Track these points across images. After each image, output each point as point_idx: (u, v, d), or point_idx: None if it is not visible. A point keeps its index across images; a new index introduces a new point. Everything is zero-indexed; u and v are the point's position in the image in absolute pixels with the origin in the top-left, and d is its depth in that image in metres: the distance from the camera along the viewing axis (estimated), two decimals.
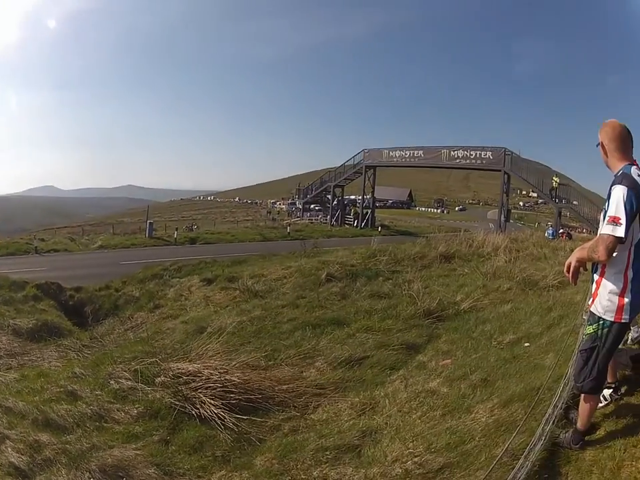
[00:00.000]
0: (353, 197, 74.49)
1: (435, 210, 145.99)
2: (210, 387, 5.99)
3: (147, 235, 37.69)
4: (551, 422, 4.21)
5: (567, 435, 4.28)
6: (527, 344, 7.40)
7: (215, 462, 4.97)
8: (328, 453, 4.83)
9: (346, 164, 58.67)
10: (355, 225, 56.79)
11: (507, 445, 3.86)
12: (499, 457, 3.62)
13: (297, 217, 65.40)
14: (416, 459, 4.35)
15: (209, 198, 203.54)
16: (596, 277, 3.97)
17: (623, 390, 4.94)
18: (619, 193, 3.57)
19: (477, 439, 4.58)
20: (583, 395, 4.13)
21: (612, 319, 3.82)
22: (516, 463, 3.56)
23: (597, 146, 3.98)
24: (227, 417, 5.54)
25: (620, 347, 5.16)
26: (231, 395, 5.93)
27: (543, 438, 3.99)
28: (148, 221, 39.84)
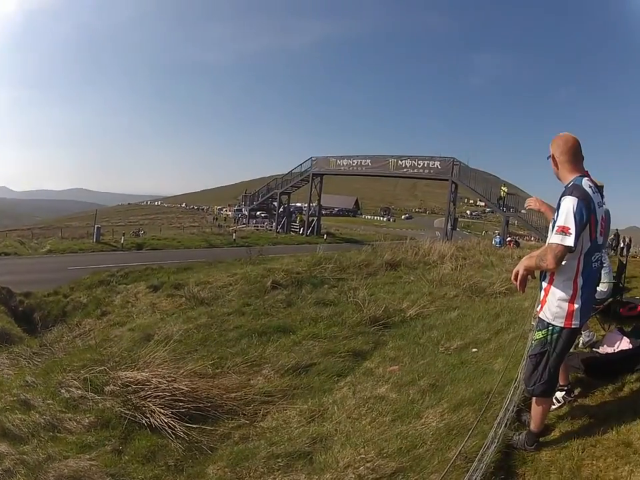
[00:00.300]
0: (299, 204, 74.70)
1: (381, 218, 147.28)
2: (159, 395, 5.90)
3: (94, 240, 36.87)
4: (503, 425, 4.22)
5: (520, 436, 4.31)
6: (474, 349, 7.46)
7: (169, 471, 4.91)
8: (280, 460, 4.79)
9: (293, 171, 58.85)
10: (300, 232, 56.97)
11: (459, 448, 3.83)
12: (452, 459, 3.57)
13: (243, 224, 65.24)
14: (368, 464, 4.32)
15: (156, 203, 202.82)
16: (544, 284, 4.02)
17: (576, 392, 5.03)
18: (569, 204, 3.62)
19: (428, 443, 4.57)
20: (534, 398, 4.16)
21: (562, 325, 3.86)
22: (470, 466, 3.54)
23: (548, 158, 4.04)
24: (177, 425, 5.47)
25: (572, 350, 5.21)
26: (180, 404, 5.86)
27: (496, 440, 3.99)
28: (96, 226, 38.99)
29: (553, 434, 4.38)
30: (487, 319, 9.17)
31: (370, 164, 51.94)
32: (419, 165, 47.37)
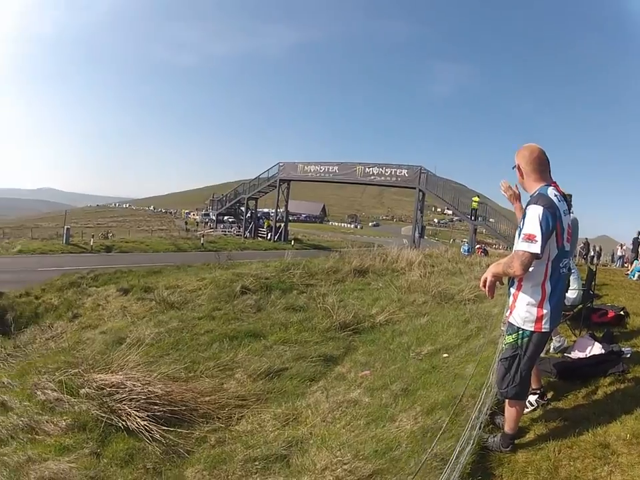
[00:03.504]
0: (266, 209, 74.44)
1: (349, 225, 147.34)
2: (134, 398, 5.94)
3: (64, 241, 36.40)
4: (477, 427, 4.30)
5: (495, 438, 4.39)
6: (445, 355, 7.55)
7: (147, 474, 4.95)
8: (257, 463, 4.85)
9: (261, 176, 58.29)
10: (268, 238, 56.74)
11: (431, 449, 3.91)
12: (423, 460, 3.67)
13: (211, 229, 64.85)
14: (346, 467, 4.38)
15: (124, 205, 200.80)
16: (513, 290, 4.11)
17: (549, 396, 5.13)
18: (535, 212, 3.73)
19: (403, 445, 4.64)
20: (507, 401, 4.25)
21: (532, 329, 3.96)
22: (445, 466, 3.61)
23: (513, 168, 4.16)
24: (154, 429, 5.51)
25: (543, 355, 5.33)
26: (155, 407, 5.90)
27: (471, 442, 4.06)
28: (65, 227, 38.51)
29: (527, 436, 4.46)
30: (456, 325, 9.29)
31: (337, 170, 51.70)
32: (387, 172, 47.33)
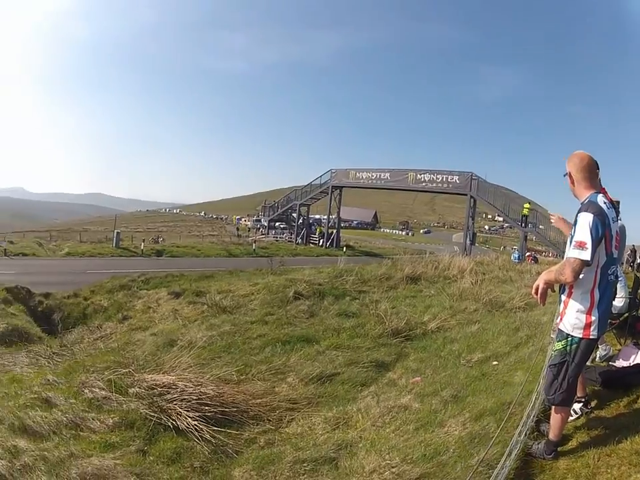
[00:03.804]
0: (318, 216, 74.33)
1: (400, 232, 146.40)
2: (185, 399, 6.03)
3: (113, 245, 37.16)
4: (524, 434, 4.34)
5: (539, 445, 4.43)
6: (495, 362, 7.55)
7: (194, 473, 5.00)
8: (305, 464, 4.89)
9: (313, 183, 58.49)
10: (320, 244, 56.88)
11: (482, 456, 3.96)
12: (475, 467, 3.72)
13: (262, 234, 65.05)
14: (393, 470, 4.42)
15: (174, 211, 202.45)
16: (563, 297, 4.18)
17: (592, 404, 5.15)
18: (585, 220, 3.79)
19: (451, 450, 4.67)
20: (554, 407, 4.30)
21: (580, 336, 4.01)
22: (492, 472, 3.66)
23: (565, 175, 4.20)
24: (203, 428, 5.57)
25: (589, 364, 5.35)
26: (206, 408, 5.97)
27: (517, 448, 4.11)
28: (115, 231, 39.17)
29: (570, 443, 4.49)
30: (506, 333, 9.24)
31: (389, 177, 51.76)
32: (438, 179, 47.20)
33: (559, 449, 4.37)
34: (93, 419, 5.70)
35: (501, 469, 3.63)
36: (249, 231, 76.70)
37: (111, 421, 5.67)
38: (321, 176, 57.63)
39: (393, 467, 4.48)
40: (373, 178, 53.07)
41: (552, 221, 4.83)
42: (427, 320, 11.13)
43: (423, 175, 48.34)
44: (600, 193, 4.01)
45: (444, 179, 46.88)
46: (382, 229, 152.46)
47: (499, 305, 12.30)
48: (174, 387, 6.27)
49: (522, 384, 5.32)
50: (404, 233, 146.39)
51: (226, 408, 6.15)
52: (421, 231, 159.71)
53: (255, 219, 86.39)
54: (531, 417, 4.64)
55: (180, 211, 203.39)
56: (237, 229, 77.79)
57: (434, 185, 47.82)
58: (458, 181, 45.88)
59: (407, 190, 55.29)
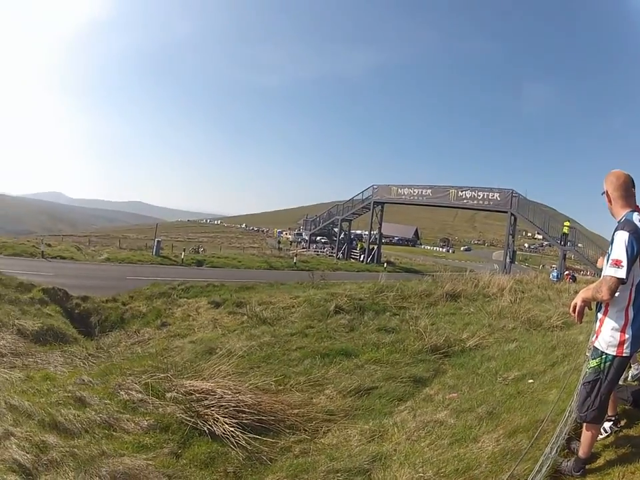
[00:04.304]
0: (359, 231, 74.19)
1: (440, 249, 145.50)
2: (223, 405, 6.16)
3: (153, 253, 37.33)
4: (554, 451, 4.40)
5: (568, 463, 4.48)
6: (530, 380, 7.55)
7: (227, 478, 5.13)
8: (339, 474, 4.98)
9: (354, 198, 58.54)
10: (360, 259, 56.67)
11: (511, 471, 4.05)
12: None
13: (303, 248, 65.02)
14: None
15: (215, 222, 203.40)
16: (600, 315, 4.22)
17: (622, 423, 5.18)
18: (622, 238, 3.86)
19: (483, 465, 4.73)
20: (585, 425, 4.36)
21: (614, 353, 4.07)
22: None
23: (602, 194, 4.27)
24: (239, 435, 5.69)
25: (621, 383, 5.40)
26: (243, 415, 6.09)
27: (547, 465, 4.18)
28: (156, 239, 39.28)
29: (598, 461, 4.53)
30: (543, 352, 9.22)
31: (430, 194, 51.60)
32: (479, 196, 46.92)
33: (587, 466, 4.42)
34: (127, 420, 5.85)
35: None
36: (290, 244, 76.55)
37: (146, 423, 5.82)
38: (362, 191, 57.65)
39: None
40: (415, 194, 52.93)
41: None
42: (466, 337, 11.12)
43: (464, 192, 48.12)
44: (636, 211, 4.07)
45: (485, 196, 46.60)
46: (422, 246, 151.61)
47: (537, 324, 12.24)
48: (212, 393, 6.39)
49: (555, 402, 5.37)
50: (444, 249, 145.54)
51: (263, 416, 6.25)
52: (462, 248, 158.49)
53: (296, 232, 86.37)
54: (563, 434, 4.70)
55: (221, 222, 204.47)
56: (279, 241, 77.95)
57: (475, 202, 47.62)
58: (498, 198, 45.60)
59: (448, 207, 55.03)
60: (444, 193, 50.33)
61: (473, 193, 47.47)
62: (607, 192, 4.22)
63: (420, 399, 7.61)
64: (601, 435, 4.87)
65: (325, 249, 64.31)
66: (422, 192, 52.46)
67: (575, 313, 4.17)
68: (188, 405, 6.17)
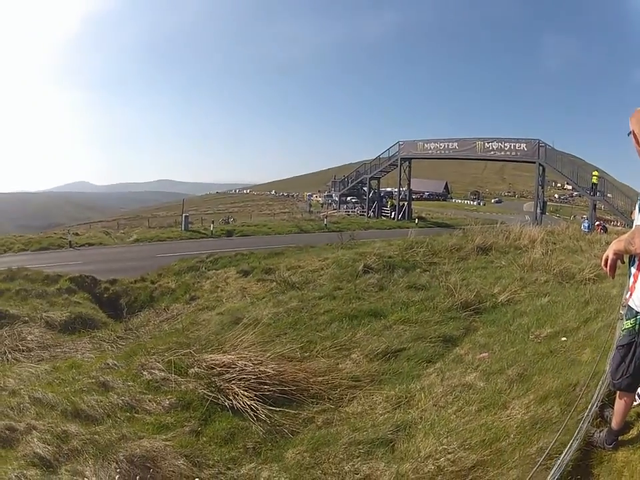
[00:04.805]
0: (389, 189, 73.83)
1: (471, 202, 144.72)
2: (243, 378, 6.07)
3: (182, 228, 37.51)
4: (587, 421, 4.17)
5: (601, 434, 4.19)
6: (563, 338, 7.33)
7: (246, 454, 5.02)
8: (361, 447, 4.83)
9: (381, 156, 58.13)
10: (392, 217, 56.43)
11: (540, 444, 3.84)
12: (540, 461, 3.58)
13: (334, 209, 64.86)
14: (449, 456, 4.33)
15: (244, 191, 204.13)
16: (633, 270, 3.69)
17: None
18: None
19: (511, 436, 4.51)
20: (618, 393, 4.00)
21: None
22: (549, 463, 3.53)
23: (629, 135, 3.58)
24: (259, 408, 5.59)
25: None
26: (265, 387, 6.00)
27: (578, 439, 3.95)
28: (184, 214, 39.37)
29: (630, 432, 4.24)
30: (576, 307, 8.98)
31: (457, 147, 51.01)
32: (506, 147, 46.22)
33: (619, 438, 4.12)
34: (149, 401, 5.83)
35: (561, 462, 3.48)
36: (321, 206, 76.44)
37: (167, 402, 5.79)
38: (389, 149, 57.18)
39: (449, 453, 4.39)
40: (441, 148, 52.37)
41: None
42: (497, 292, 10.98)
43: (490, 144, 47.45)
44: None
45: (512, 147, 45.91)
46: (453, 200, 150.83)
47: (570, 277, 12.02)
48: (233, 366, 6.32)
49: (589, 363, 5.13)
50: (475, 203, 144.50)
51: (285, 387, 6.15)
52: (492, 201, 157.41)
53: (326, 194, 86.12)
54: (596, 402, 4.46)
55: (250, 191, 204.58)
56: (310, 204, 77.60)
57: (502, 153, 46.96)
58: (525, 149, 44.94)
59: (476, 159, 54.74)
60: (471, 145, 49.70)
61: (500, 144, 46.80)
62: (633, 132, 3.55)
63: (449, 359, 7.43)
64: (635, 401, 4.47)
65: (356, 209, 64.18)
66: (448, 145, 51.85)
67: (606, 266, 3.61)
68: (209, 380, 6.11)
